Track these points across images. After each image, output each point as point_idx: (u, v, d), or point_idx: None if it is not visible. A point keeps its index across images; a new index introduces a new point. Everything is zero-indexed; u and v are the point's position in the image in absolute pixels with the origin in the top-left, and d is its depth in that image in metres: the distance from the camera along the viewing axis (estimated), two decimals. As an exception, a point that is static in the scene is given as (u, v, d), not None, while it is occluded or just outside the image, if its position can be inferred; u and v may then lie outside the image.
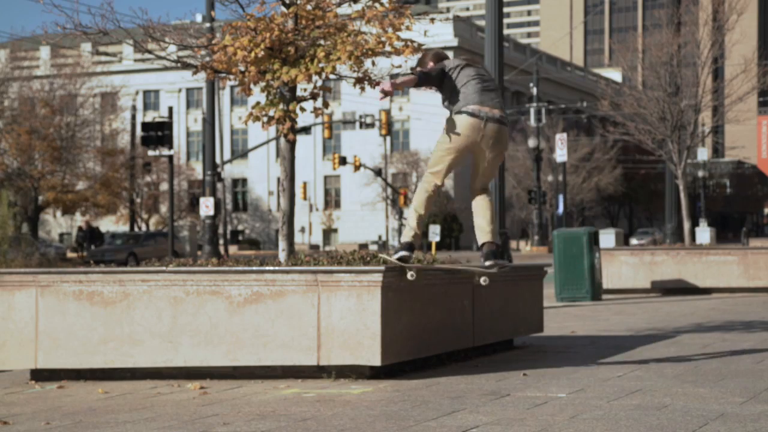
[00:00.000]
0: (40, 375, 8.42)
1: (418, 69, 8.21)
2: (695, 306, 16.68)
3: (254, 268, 8.08)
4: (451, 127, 8.04)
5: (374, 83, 9.44)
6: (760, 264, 20.08)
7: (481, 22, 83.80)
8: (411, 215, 8.12)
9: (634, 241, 67.89)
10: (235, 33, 9.38)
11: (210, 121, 36.91)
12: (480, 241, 8.19)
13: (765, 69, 30.88)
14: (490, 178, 8.33)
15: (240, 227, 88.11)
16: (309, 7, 9.32)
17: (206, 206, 36.00)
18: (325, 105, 9.87)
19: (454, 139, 8.00)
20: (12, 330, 8.31)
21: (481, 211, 8.28)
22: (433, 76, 8.11)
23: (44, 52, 71.55)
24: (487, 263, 8.16)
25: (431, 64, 8.26)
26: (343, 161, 61.43)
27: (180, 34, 10.02)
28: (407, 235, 8.08)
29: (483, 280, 8.36)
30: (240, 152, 79.43)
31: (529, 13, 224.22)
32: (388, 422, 6.09)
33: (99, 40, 9.94)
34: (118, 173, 61.16)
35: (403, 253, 7.98)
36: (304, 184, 76.62)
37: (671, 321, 13.64)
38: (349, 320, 7.73)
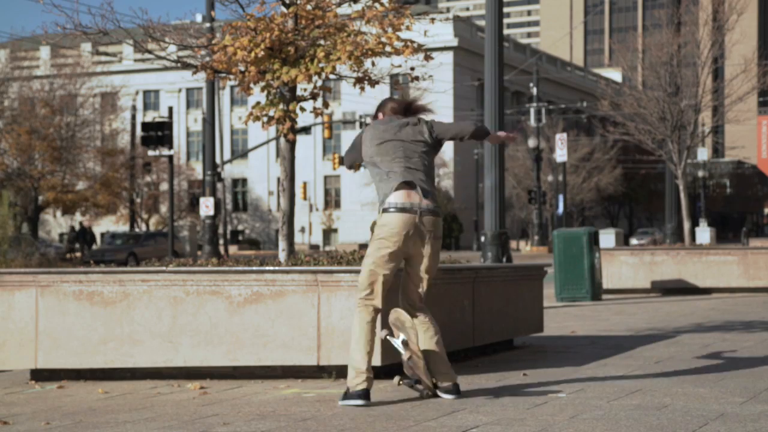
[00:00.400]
0: (40, 375, 8.42)
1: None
2: (695, 306, 16.68)
3: (254, 268, 8.08)
4: (381, 230, 6.76)
5: (374, 83, 9.46)
6: (760, 264, 20.08)
7: (481, 22, 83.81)
8: (356, 356, 6.64)
9: (634, 241, 67.91)
10: (235, 33, 9.39)
11: (210, 121, 36.93)
12: (445, 383, 6.87)
13: (765, 69, 30.88)
14: (430, 281, 6.96)
15: (240, 227, 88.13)
16: (309, 7, 9.32)
17: (206, 206, 36.02)
18: (325, 105, 9.87)
19: (387, 243, 6.69)
20: (12, 330, 8.31)
21: (430, 342, 6.87)
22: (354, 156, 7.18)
23: (44, 52, 71.59)
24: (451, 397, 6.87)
25: (381, 116, 7.16)
26: (343, 161, 61.32)
27: (180, 34, 10.02)
28: (357, 382, 6.61)
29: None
30: (240, 152, 79.45)
31: (529, 13, 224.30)
32: (387, 422, 6.10)
33: (99, 40, 9.95)
34: (118, 173, 61.16)
35: (358, 402, 6.60)
36: (304, 184, 76.62)
37: (671, 321, 13.64)
38: (350, 320, 7.72)
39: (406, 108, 7.13)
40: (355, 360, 6.61)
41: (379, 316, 6.84)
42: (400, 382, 6.98)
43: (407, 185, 6.77)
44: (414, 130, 6.95)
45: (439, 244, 6.90)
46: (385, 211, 6.73)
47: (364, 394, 6.59)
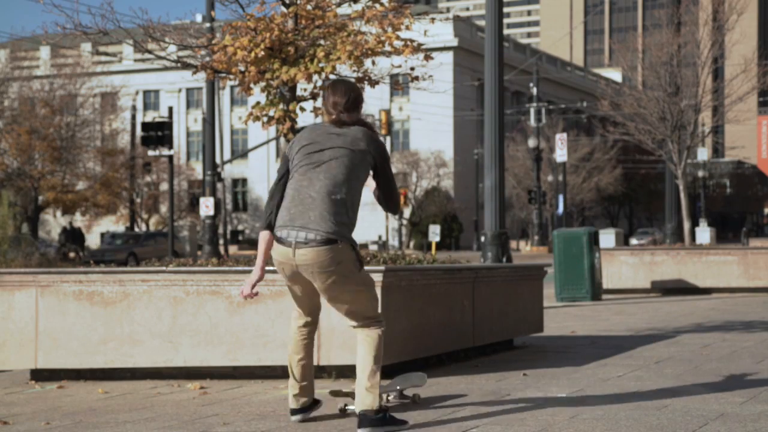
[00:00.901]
0: (40, 375, 8.42)
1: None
2: (695, 306, 16.68)
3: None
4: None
5: (374, 83, 9.45)
6: (760, 264, 20.07)
7: (481, 22, 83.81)
8: (291, 368, 6.33)
9: (633, 241, 67.87)
10: (235, 33, 9.39)
11: (210, 121, 36.91)
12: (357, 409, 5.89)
13: (765, 69, 30.89)
14: (356, 306, 5.98)
15: (240, 227, 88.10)
16: (309, 7, 9.32)
17: (206, 206, 36.00)
18: (325, 105, 9.87)
19: (278, 270, 6.06)
20: (12, 330, 8.31)
21: (361, 356, 5.93)
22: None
23: (44, 52, 71.55)
24: None
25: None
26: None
27: (180, 34, 10.03)
28: (295, 396, 6.28)
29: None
30: (240, 152, 79.42)
31: (529, 13, 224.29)
32: (388, 422, 6.09)
33: (99, 40, 9.95)
34: (118, 173, 61.17)
35: (293, 418, 6.26)
36: (304, 184, 76.50)
37: (671, 321, 13.64)
38: (349, 320, 7.72)
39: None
40: (293, 370, 6.29)
41: None
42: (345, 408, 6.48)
43: (294, 207, 5.85)
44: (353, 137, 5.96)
45: (332, 280, 5.84)
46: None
47: (293, 412, 6.21)
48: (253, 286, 6.10)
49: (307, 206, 5.79)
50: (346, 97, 6.01)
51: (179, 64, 10.10)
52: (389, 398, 6.79)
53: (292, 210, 5.82)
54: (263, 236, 5.98)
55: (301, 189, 5.83)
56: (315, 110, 9.61)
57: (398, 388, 6.76)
